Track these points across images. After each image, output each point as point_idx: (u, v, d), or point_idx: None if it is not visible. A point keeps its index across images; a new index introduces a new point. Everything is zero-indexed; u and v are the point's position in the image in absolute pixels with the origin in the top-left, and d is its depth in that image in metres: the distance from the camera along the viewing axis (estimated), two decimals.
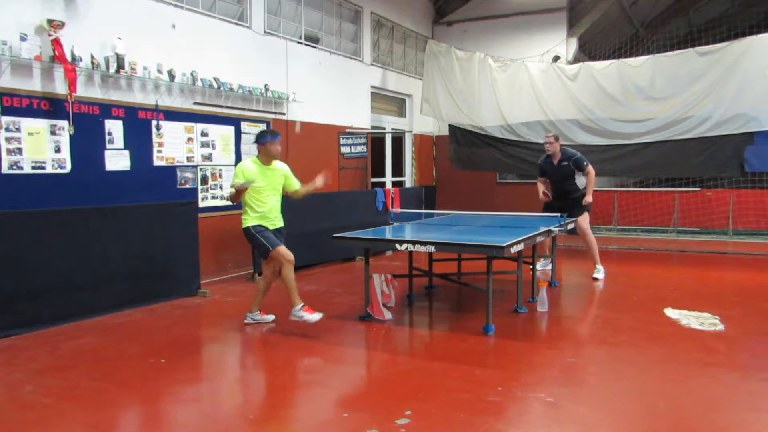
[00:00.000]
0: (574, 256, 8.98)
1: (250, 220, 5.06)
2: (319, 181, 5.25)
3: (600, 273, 7.26)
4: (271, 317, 5.34)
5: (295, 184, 5.33)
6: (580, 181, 7.20)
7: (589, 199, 7.15)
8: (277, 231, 5.19)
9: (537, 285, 5.95)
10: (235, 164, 7.79)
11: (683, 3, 14.65)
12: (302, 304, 4.93)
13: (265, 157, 5.09)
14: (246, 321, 5.27)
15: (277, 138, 5.12)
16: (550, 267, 7.30)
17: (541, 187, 7.45)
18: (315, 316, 4.89)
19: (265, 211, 5.08)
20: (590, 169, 7.15)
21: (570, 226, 6.71)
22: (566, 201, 7.17)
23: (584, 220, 7.20)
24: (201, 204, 7.22)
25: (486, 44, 12.11)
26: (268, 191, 5.10)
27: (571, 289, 6.84)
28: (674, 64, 9.28)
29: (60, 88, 5.73)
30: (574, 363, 4.28)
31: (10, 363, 4.23)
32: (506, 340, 4.78)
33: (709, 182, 11.17)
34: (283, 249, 5.00)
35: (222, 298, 6.33)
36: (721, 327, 5.02)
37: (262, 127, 8.23)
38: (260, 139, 5.10)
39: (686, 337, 4.77)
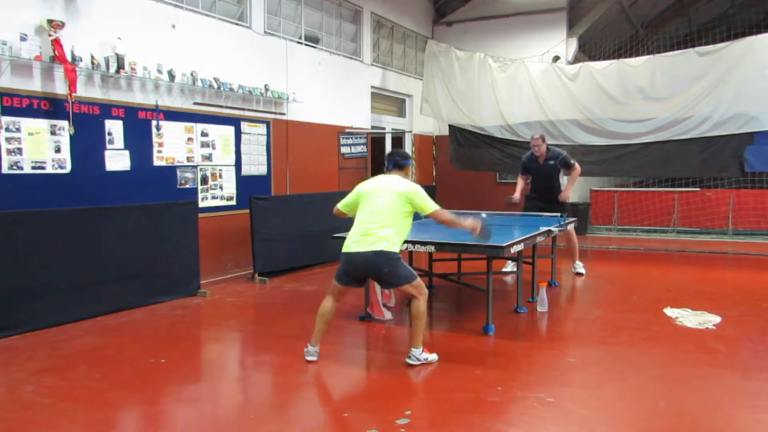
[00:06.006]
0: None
1: (397, 247, 4.29)
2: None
3: (581, 267, 7.49)
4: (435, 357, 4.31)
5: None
6: (563, 180, 7.27)
7: (567, 194, 7.20)
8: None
9: (537, 285, 5.95)
10: (236, 164, 7.82)
11: (683, 3, 14.65)
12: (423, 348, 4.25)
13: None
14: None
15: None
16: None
17: (519, 186, 7.52)
18: (434, 356, 4.26)
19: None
20: (577, 166, 7.22)
21: (570, 226, 6.71)
22: (549, 201, 7.20)
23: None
24: (201, 204, 7.21)
25: (486, 44, 12.11)
26: None
27: (571, 289, 6.84)
28: (674, 64, 9.28)
29: (60, 88, 5.73)
30: (574, 363, 4.28)
31: (10, 363, 4.23)
32: (506, 340, 4.78)
33: (709, 182, 11.17)
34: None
35: (222, 298, 6.33)
36: (721, 327, 5.02)
37: (262, 126, 8.25)
38: (405, 160, 4.52)
39: (686, 337, 4.78)
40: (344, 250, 4.27)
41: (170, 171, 6.95)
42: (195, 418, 3.43)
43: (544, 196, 7.30)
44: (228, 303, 6.16)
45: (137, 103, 6.54)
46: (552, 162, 7.18)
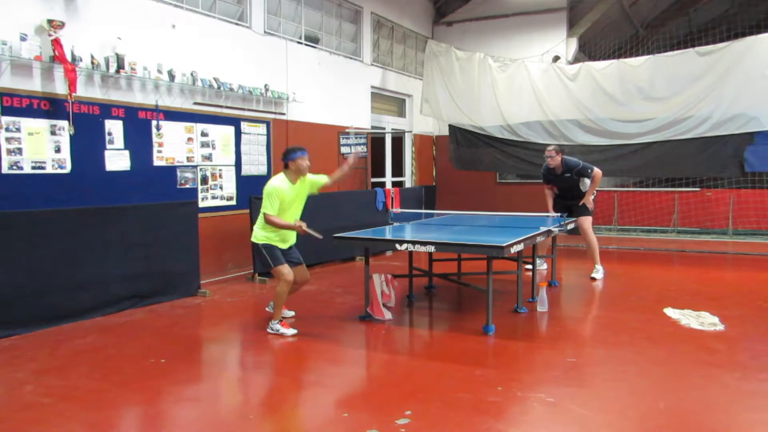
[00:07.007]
0: (574, 256, 8.98)
1: (262, 238, 4.96)
2: (349, 163, 5.26)
3: (599, 273, 7.25)
4: (291, 313, 5.47)
5: (322, 180, 5.19)
6: (584, 185, 7.16)
7: (587, 200, 7.13)
8: (287, 249, 5.11)
9: (537, 285, 5.95)
10: (236, 164, 7.82)
11: (683, 3, 14.65)
12: (281, 319, 4.99)
13: (295, 175, 4.95)
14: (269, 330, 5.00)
15: (305, 153, 4.96)
16: (545, 267, 7.31)
17: (549, 198, 7.43)
18: (290, 332, 4.88)
19: (281, 233, 4.99)
20: (596, 172, 7.07)
21: (570, 226, 6.71)
22: (573, 201, 7.22)
23: (586, 220, 7.20)
24: (201, 204, 7.22)
25: (486, 44, 12.11)
26: (293, 209, 5.02)
27: (571, 289, 6.84)
28: (674, 64, 9.29)
29: (60, 88, 5.73)
30: (574, 363, 4.28)
31: (10, 363, 4.23)
32: (506, 340, 4.78)
33: (709, 182, 11.16)
34: (284, 268, 4.92)
35: (222, 298, 6.33)
36: (721, 327, 5.02)
37: (262, 126, 8.25)
38: (290, 155, 4.91)
39: (686, 337, 4.77)
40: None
41: (170, 171, 6.95)
42: (195, 418, 3.43)
43: (569, 200, 7.29)
44: (228, 303, 6.16)
45: (137, 103, 6.54)
46: (568, 175, 7.10)
